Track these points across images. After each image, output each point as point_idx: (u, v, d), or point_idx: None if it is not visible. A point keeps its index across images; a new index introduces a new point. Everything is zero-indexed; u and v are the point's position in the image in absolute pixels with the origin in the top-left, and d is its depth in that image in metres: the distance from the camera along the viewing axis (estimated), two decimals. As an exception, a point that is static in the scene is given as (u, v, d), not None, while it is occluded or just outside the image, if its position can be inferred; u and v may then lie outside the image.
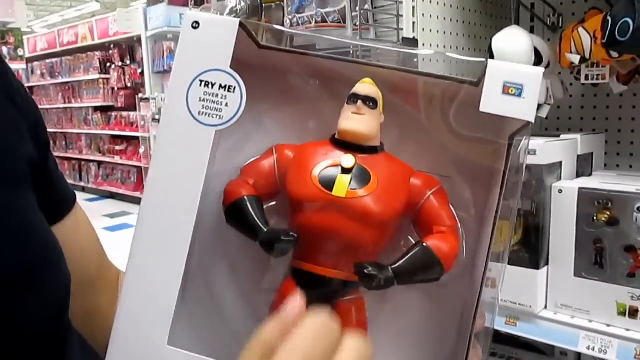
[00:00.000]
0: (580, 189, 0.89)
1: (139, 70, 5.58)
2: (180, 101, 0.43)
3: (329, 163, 0.44)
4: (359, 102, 0.45)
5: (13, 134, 0.43)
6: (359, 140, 0.44)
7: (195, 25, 0.44)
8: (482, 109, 0.41)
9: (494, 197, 0.43)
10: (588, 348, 0.88)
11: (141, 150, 5.53)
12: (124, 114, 5.93)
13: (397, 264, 0.43)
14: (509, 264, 0.93)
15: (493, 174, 0.45)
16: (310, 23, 0.83)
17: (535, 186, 0.92)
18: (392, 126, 0.47)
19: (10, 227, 0.40)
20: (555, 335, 0.91)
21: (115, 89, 5.99)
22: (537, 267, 0.92)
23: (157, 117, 4.96)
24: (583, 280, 0.90)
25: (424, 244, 0.44)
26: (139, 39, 5.33)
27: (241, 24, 0.44)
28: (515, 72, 0.41)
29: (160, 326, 0.41)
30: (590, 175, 1.05)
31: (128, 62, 5.78)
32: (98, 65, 6.15)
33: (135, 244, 0.43)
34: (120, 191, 6.18)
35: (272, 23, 0.59)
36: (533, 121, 0.42)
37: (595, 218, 0.88)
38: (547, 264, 0.93)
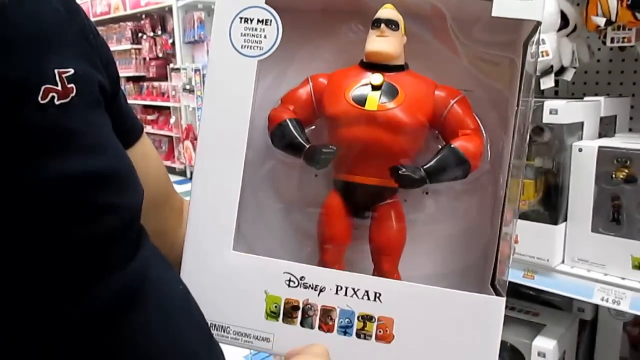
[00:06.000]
0: (599, 147, 0.91)
1: (170, 41, 5.64)
2: (224, 38, 0.48)
3: (360, 83, 0.49)
4: (382, 25, 0.49)
5: (87, 63, 0.48)
6: (384, 60, 0.49)
7: None
8: (494, 13, 0.45)
9: (513, 98, 0.47)
10: (602, 299, 0.92)
11: (172, 120, 5.61)
12: (155, 84, 6.01)
13: (428, 164, 0.48)
14: (528, 219, 0.97)
15: (510, 79, 0.49)
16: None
17: (556, 145, 0.95)
18: (415, 48, 0.51)
19: (90, 139, 0.44)
20: (571, 287, 0.95)
21: (147, 59, 6.06)
22: (555, 223, 0.96)
23: (187, 87, 5.02)
24: (600, 236, 0.93)
25: (452, 145, 0.49)
26: (170, 9, 5.38)
27: None
28: None
29: (226, 236, 0.48)
30: (613, 137, 1.07)
31: (159, 33, 5.84)
32: (130, 35, 6.22)
33: (196, 171, 0.48)
34: (152, 160, 6.30)
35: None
36: (542, 20, 0.45)
37: (613, 176, 0.91)
38: (565, 220, 0.97)
